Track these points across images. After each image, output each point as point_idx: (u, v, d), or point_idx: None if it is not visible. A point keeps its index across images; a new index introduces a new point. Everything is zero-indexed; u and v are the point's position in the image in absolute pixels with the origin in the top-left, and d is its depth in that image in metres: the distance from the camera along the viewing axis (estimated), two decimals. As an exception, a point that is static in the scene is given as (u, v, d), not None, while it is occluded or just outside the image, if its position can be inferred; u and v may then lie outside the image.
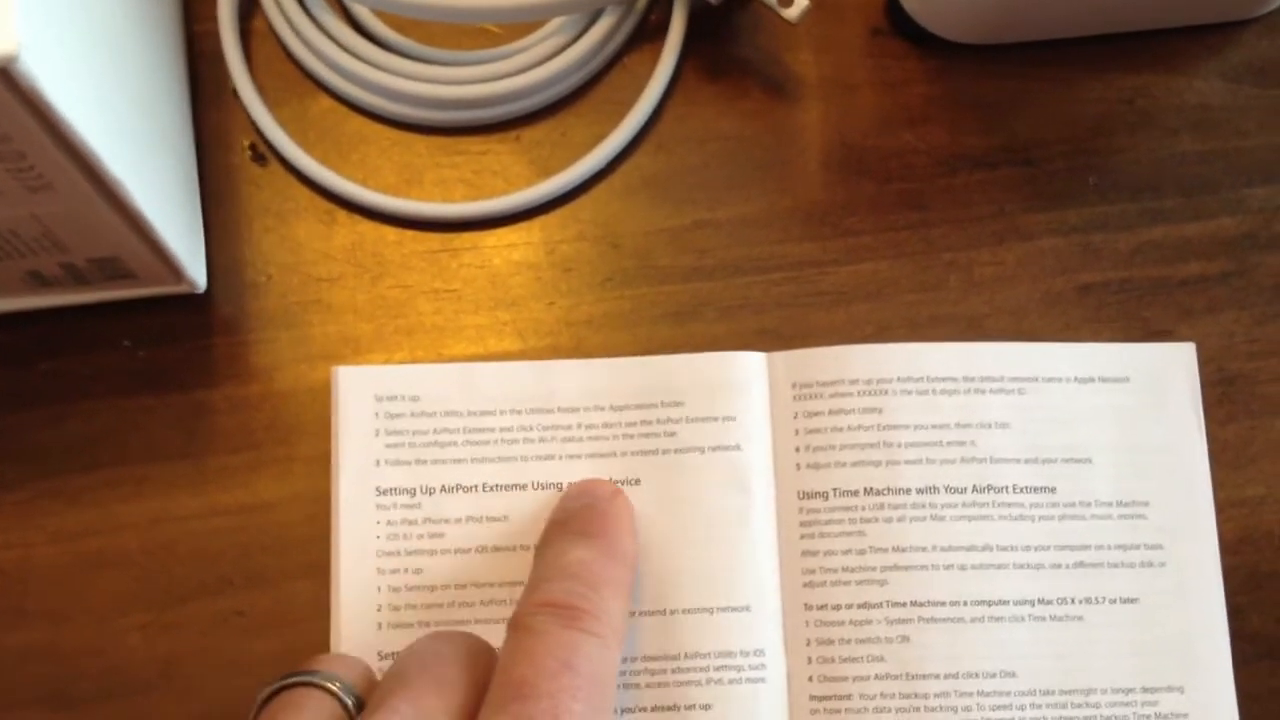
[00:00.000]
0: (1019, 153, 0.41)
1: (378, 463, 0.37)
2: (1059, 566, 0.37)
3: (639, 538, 0.36)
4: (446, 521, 0.36)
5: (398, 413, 0.37)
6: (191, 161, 0.40)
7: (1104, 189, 0.41)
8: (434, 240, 0.40)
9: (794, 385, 0.38)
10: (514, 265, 0.40)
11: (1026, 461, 0.37)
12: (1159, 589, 0.37)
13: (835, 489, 0.37)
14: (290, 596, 0.37)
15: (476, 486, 0.37)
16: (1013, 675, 0.36)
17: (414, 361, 0.39)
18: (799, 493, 0.37)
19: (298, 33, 0.40)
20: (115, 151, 0.30)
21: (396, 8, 0.39)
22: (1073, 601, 0.36)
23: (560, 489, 0.37)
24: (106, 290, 0.37)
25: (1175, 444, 0.38)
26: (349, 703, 0.30)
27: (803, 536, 0.37)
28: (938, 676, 0.35)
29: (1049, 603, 0.36)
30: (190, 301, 0.39)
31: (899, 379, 0.37)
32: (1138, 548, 0.37)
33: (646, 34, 0.42)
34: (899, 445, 0.37)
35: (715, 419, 0.37)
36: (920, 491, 0.37)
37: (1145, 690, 0.36)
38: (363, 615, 0.36)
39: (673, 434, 0.37)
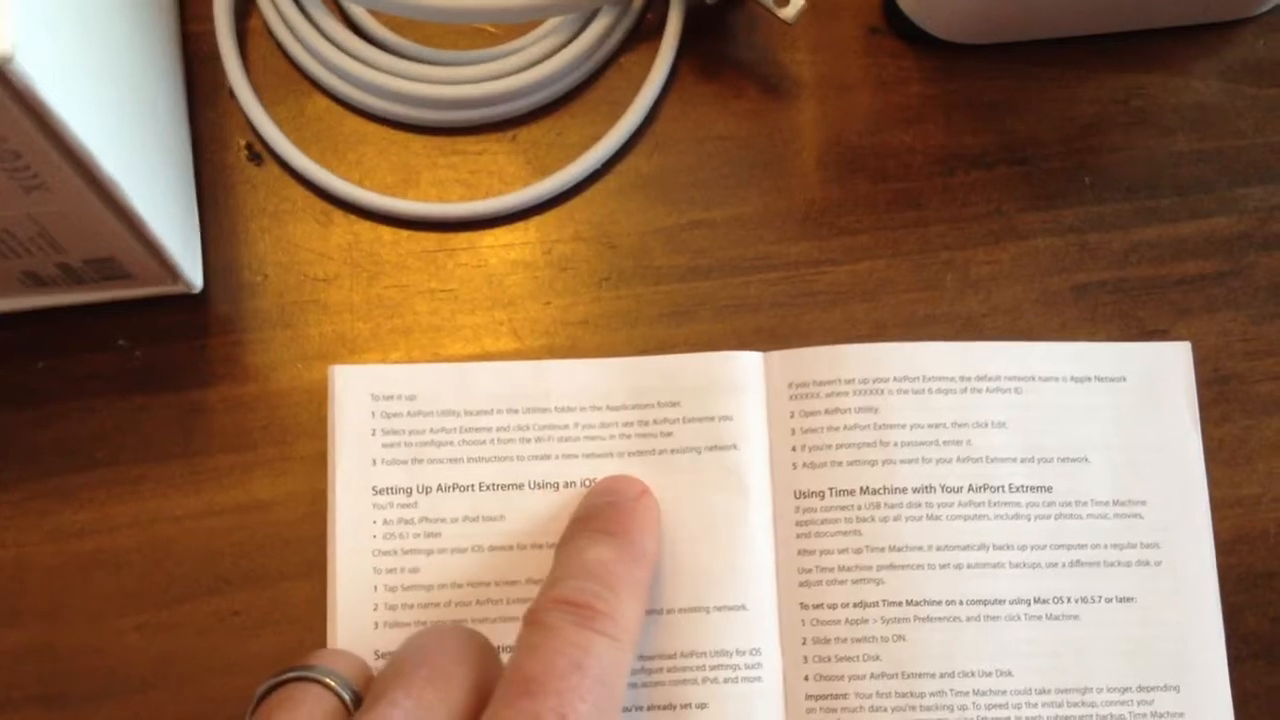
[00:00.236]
0: (1015, 152, 0.41)
1: (374, 462, 0.37)
2: (1055, 565, 0.37)
3: (661, 539, 0.36)
4: (443, 521, 0.36)
5: (394, 412, 0.37)
6: (188, 161, 0.40)
7: (1100, 188, 0.41)
8: (430, 240, 0.40)
9: (790, 385, 0.38)
10: (510, 265, 0.40)
11: (1023, 461, 0.37)
12: (1155, 588, 0.37)
13: (831, 488, 0.37)
14: (287, 596, 0.37)
15: (473, 486, 0.37)
16: (1009, 674, 0.36)
17: (410, 361, 0.39)
18: (795, 492, 0.37)
19: (294, 32, 0.40)
20: (111, 151, 0.30)
21: (393, 8, 0.39)
22: (1069, 600, 0.36)
23: (556, 489, 0.37)
24: (102, 290, 0.37)
25: (1171, 443, 0.38)
26: (346, 697, 0.30)
27: (799, 536, 0.37)
28: (934, 675, 0.35)
29: (1045, 602, 0.36)
30: (186, 301, 0.39)
31: (895, 378, 0.37)
32: (1134, 547, 0.37)
33: (643, 34, 0.42)
34: (895, 444, 0.37)
35: (712, 419, 0.37)
36: (916, 491, 0.37)
37: (1141, 689, 0.36)
38: (359, 614, 0.36)
39: (669, 434, 0.37)
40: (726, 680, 0.35)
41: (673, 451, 0.37)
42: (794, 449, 0.37)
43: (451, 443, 0.37)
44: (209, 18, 0.41)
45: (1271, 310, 0.40)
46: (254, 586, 0.37)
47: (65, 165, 0.29)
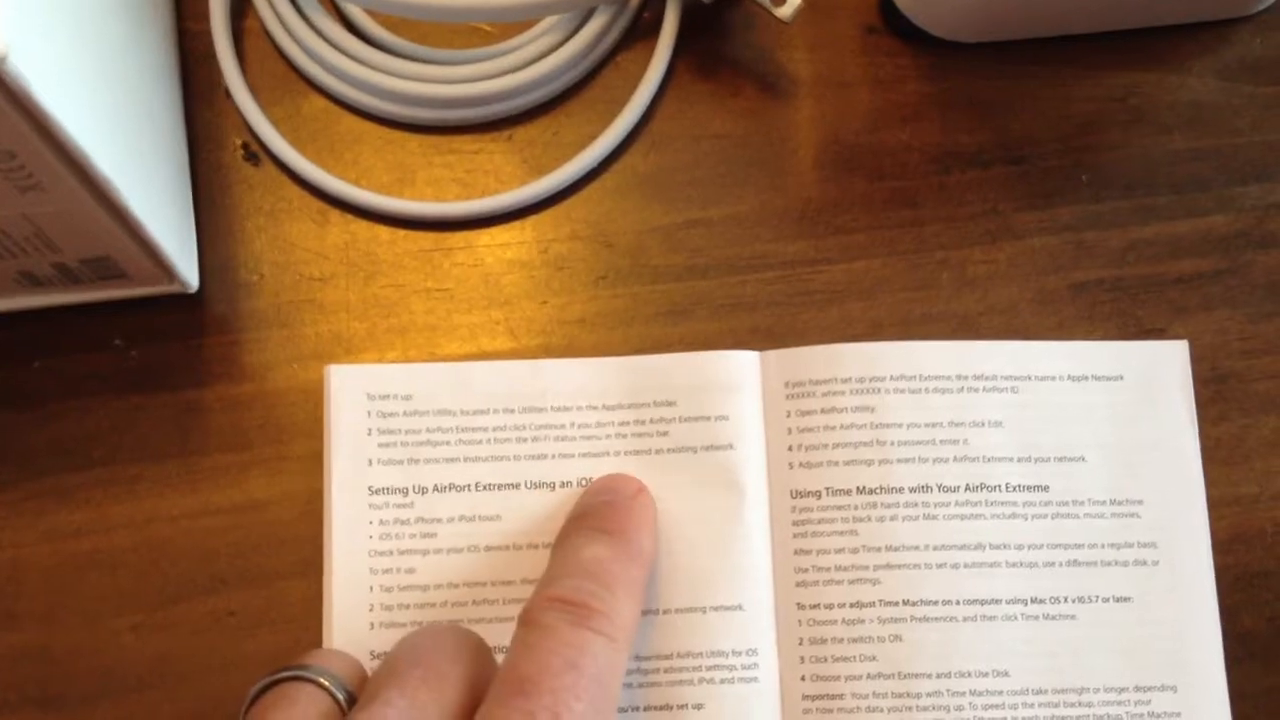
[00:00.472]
0: (1012, 151, 0.41)
1: (370, 462, 0.37)
2: (1052, 565, 0.37)
3: (658, 538, 0.36)
4: (439, 521, 0.36)
5: (390, 412, 0.37)
6: (184, 161, 0.39)
7: (1097, 187, 0.41)
8: (427, 239, 0.40)
9: (787, 384, 0.38)
10: (507, 264, 0.40)
11: (1019, 460, 0.37)
12: (1152, 587, 0.37)
13: (828, 488, 0.37)
14: (283, 596, 0.37)
15: (469, 486, 0.37)
16: (1005, 674, 0.36)
17: (407, 360, 0.39)
18: (792, 492, 0.37)
19: (290, 32, 0.40)
20: (106, 151, 0.30)
21: (389, 7, 0.39)
22: (1066, 600, 0.36)
23: (553, 489, 0.37)
24: (98, 290, 0.37)
25: (1168, 442, 0.38)
26: (340, 697, 0.30)
27: (795, 536, 0.37)
28: (930, 676, 0.35)
29: (1042, 601, 0.36)
30: (183, 301, 0.39)
31: (892, 378, 0.37)
32: (1131, 546, 0.37)
33: (639, 32, 0.42)
34: (892, 444, 0.37)
35: (708, 418, 0.37)
36: (913, 490, 0.37)
37: (1138, 689, 0.36)
38: (355, 614, 0.36)
39: (665, 433, 0.37)
40: (723, 680, 0.35)
41: (669, 451, 0.37)
42: (790, 448, 0.37)
43: (448, 442, 0.37)
44: (205, 17, 0.41)
45: (1268, 309, 0.40)
46: (250, 586, 0.37)
47: (60, 165, 0.29)
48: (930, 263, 0.40)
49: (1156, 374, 0.38)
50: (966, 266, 0.40)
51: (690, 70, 0.41)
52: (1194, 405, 0.38)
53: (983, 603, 0.36)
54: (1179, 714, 0.36)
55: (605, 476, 0.37)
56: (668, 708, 0.35)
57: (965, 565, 0.36)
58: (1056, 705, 0.36)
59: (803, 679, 0.36)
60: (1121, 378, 0.38)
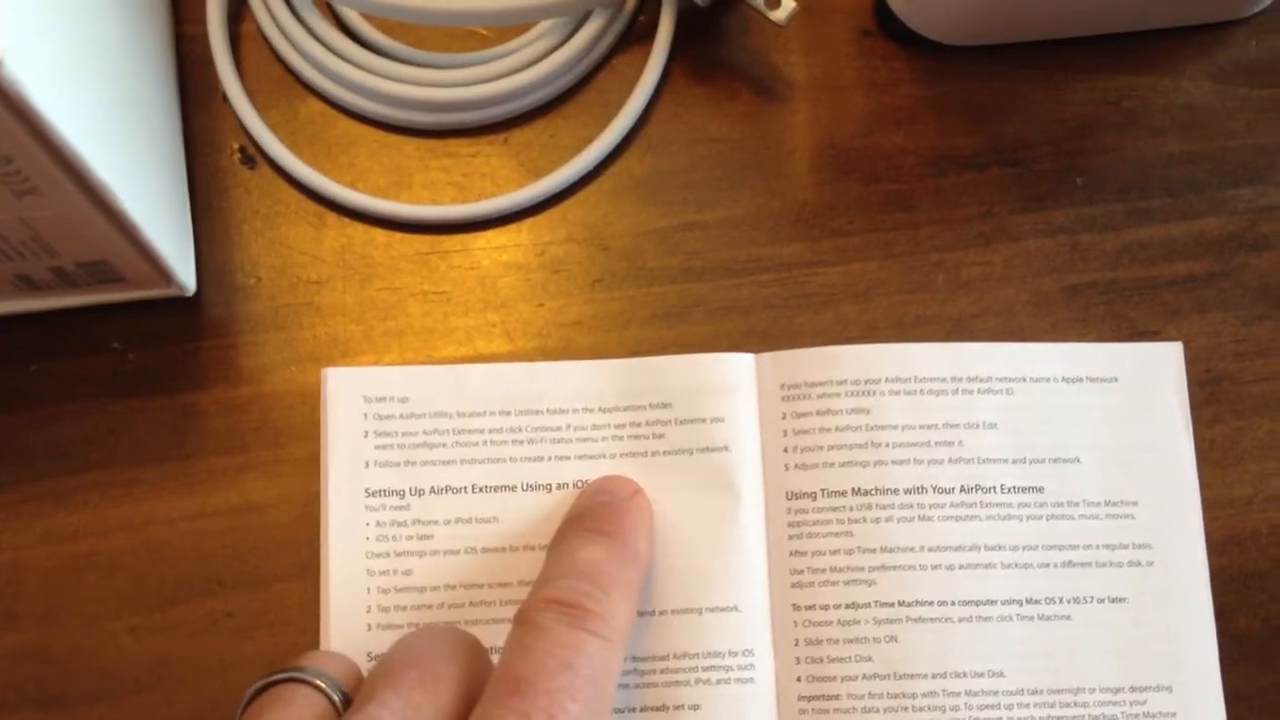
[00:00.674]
0: (1006, 153, 0.41)
1: (367, 464, 0.37)
2: (1047, 566, 0.37)
3: (654, 539, 0.36)
4: (435, 523, 0.37)
5: (387, 414, 0.37)
6: (180, 165, 0.40)
7: (1091, 190, 0.41)
8: (423, 242, 0.40)
9: (782, 386, 0.38)
10: (503, 267, 0.40)
11: (1014, 461, 0.37)
12: (1147, 588, 0.37)
13: (823, 489, 0.37)
14: (280, 598, 0.37)
15: (465, 488, 0.37)
16: (1001, 675, 0.36)
17: (403, 363, 0.39)
18: (787, 493, 0.37)
19: (287, 36, 0.40)
20: (102, 155, 0.30)
21: (385, 11, 0.39)
22: (1061, 601, 0.36)
23: (549, 490, 0.37)
24: (95, 293, 0.37)
25: (1163, 444, 0.38)
26: (336, 699, 0.30)
27: (791, 537, 0.37)
28: (925, 676, 0.36)
29: (1037, 602, 0.36)
30: (179, 304, 0.39)
31: (887, 379, 0.37)
32: (1125, 547, 0.37)
33: (635, 36, 0.42)
34: (887, 446, 0.37)
35: (703, 420, 0.37)
36: (908, 492, 0.37)
37: (1133, 689, 0.36)
38: (352, 616, 0.36)
39: (661, 435, 0.37)
40: (719, 681, 0.35)
41: (665, 453, 0.37)
42: (786, 450, 0.37)
43: (444, 444, 0.37)
44: (202, 21, 0.41)
45: (1261, 311, 0.40)
46: (247, 588, 0.37)
47: (56, 170, 0.30)
48: (925, 265, 0.40)
49: (1151, 376, 0.38)
50: (961, 269, 0.40)
51: (686, 74, 0.41)
52: (1188, 407, 0.38)
53: (978, 603, 0.36)
54: (1174, 714, 0.36)
55: (601, 478, 0.37)
56: (664, 708, 0.35)
57: (960, 566, 0.36)
58: (1052, 706, 0.36)
59: (798, 679, 0.36)
60: (1116, 379, 0.38)
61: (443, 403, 0.37)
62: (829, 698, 0.36)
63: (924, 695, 0.35)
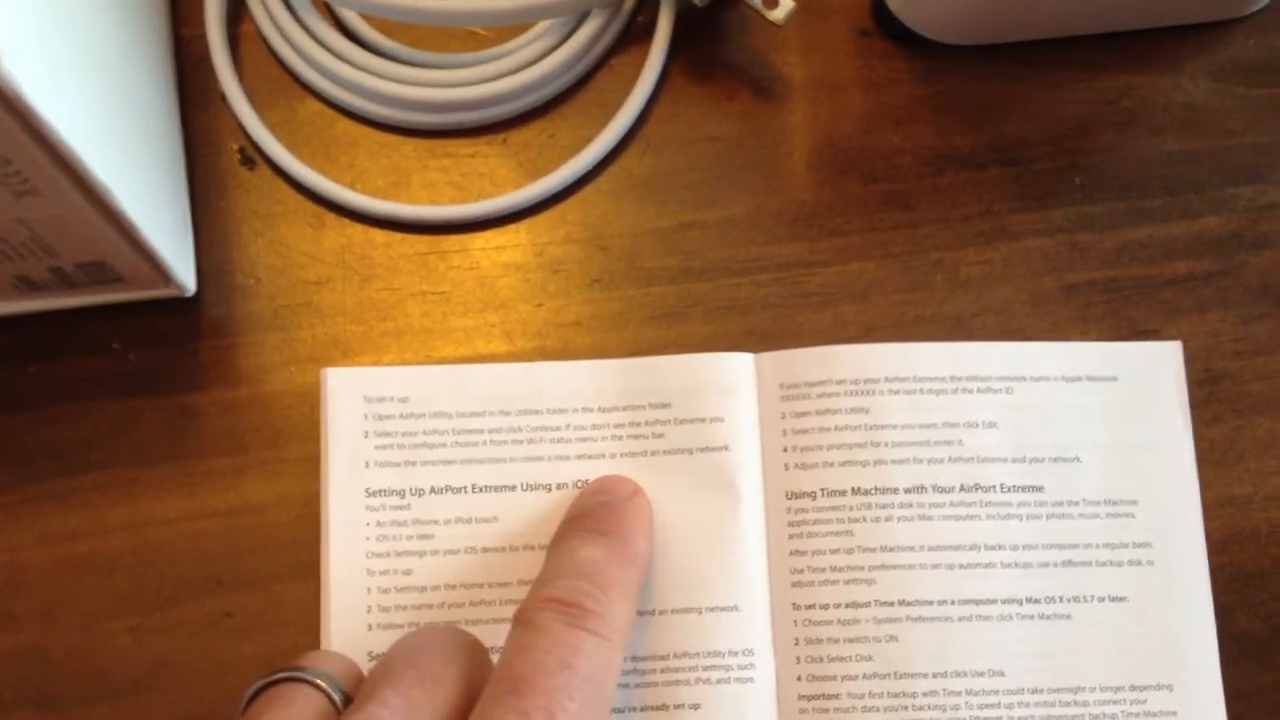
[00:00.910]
0: (1005, 153, 0.41)
1: (367, 464, 0.37)
2: (1047, 565, 0.37)
3: (653, 539, 0.36)
4: (435, 523, 0.37)
5: (387, 414, 0.37)
6: (180, 166, 0.40)
7: (1090, 189, 0.41)
8: (422, 243, 0.40)
9: (781, 386, 0.38)
10: (502, 267, 0.40)
11: (1014, 460, 0.37)
12: (1147, 588, 0.37)
13: (823, 489, 0.37)
14: (279, 598, 0.37)
15: (465, 488, 0.37)
16: (1001, 674, 0.36)
17: (403, 363, 0.39)
18: (787, 493, 0.37)
19: (285, 37, 0.41)
20: (101, 156, 0.30)
21: (383, 11, 0.39)
22: (1061, 600, 0.36)
23: (549, 490, 0.37)
24: (95, 294, 0.37)
25: (1162, 443, 0.38)
26: (336, 698, 0.30)
27: (791, 536, 0.37)
28: (925, 675, 0.36)
29: (1037, 601, 0.36)
30: (179, 305, 0.39)
31: (886, 379, 0.37)
32: (1125, 546, 0.37)
33: (633, 36, 0.42)
34: (886, 445, 0.37)
35: (703, 420, 0.37)
36: (908, 491, 0.37)
37: (1133, 688, 0.36)
38: (352, 616, 0.36)
39: (661, 435, 0.37)
40: (719, 681, 0.35)
41: (664, 453, 0.37)
42: (785, 450, 0.37)
43: (444, 444, 0.37)
44: (200, 22, 0.41)
45: (1261, 310, 0.40)
46: (247, 589, 0.37)
47: (55, 170, 0.30)
48: (924, 264, 0.40)
49: (1150, 375, 0.38)
50: (960, 268, 0.40)
51: (684, 73, 0.42)
52: (1188, 406, 0.38)
53: (978, 603, 0.36)
54: (1174, 713, 0.36)
55: (601, 478, 0.37)
56: (664, 708, 0.35)
57: (960, 565, 0.36)
58: (1052, 705, 0.36)
59: (799, 679, 0.36)
60: (1116, 379, 0.38)
61: (442, 403, 0.37)
62: (829, 697, 0.35)
63: (924, 694, 0.35)
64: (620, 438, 0.37)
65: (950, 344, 0.38)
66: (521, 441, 0.37)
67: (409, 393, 0.37)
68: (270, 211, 0.40)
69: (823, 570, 0.36)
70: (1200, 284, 0.40)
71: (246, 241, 0.40)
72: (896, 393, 0.37)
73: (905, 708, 0.35)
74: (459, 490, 0.37)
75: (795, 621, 0.36)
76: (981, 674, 0.36)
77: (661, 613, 0.36)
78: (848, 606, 0.36)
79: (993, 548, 0.37)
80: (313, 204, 0.40)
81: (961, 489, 0.37)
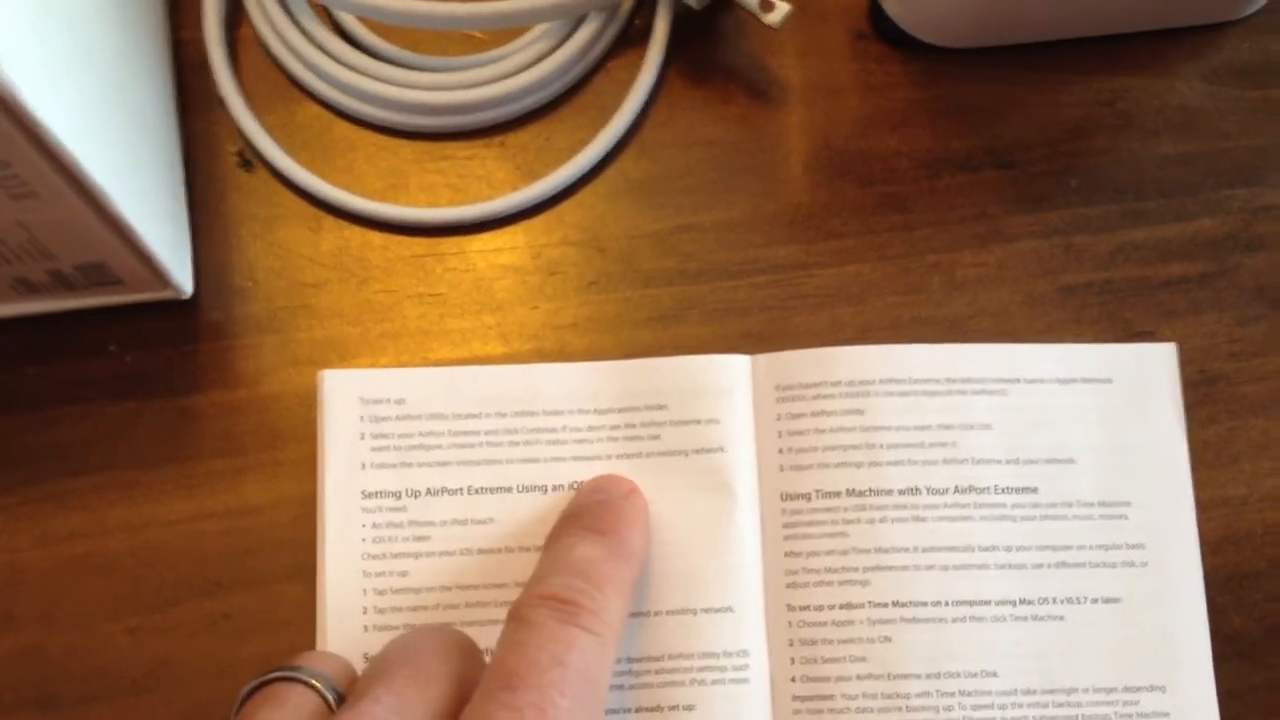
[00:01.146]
0: (1001, 155, 0.41)
1: (363, 466, 0.37)
2: (1041, 566, 0.37)
3: (649, 538, 0.36)
4: (432, 524, 0.37)
5: (383, 416, 0.37)
6: (178, 168, 0.40)
7: (1085, 191, 0.41)
8: (419, 245, 0.40)
9: (777, 387, 0.38)
10: (499, 269, 0.40)
11: (1008, 462, 0.37)
12: (1141, 589, 0.37)
13: (818, 490, 0.37)
14: (277, 599, 0.37)
15: (462, 489, 0.37)
16: (994, 675, 0.36)
17: (400, 365, 0.39)
18: (782, 494, 0.37)
19: (283, 40, 0.41)
20: (99, 160, 0.31)
21: (381, 15, 0.39)
22: (1054, 601, 0.36)
23: (545, 492, 0.37)
24: (94, 296, 0.37)
25: (1157, 444, 0.38)
26: (330, 697, 0.30)
27: (786, 538, 0.37)
28: (920, 676, 0.36)
29: (1030, 602, 0.36)
30: (177, 307, 0.39)
31: (881, 381, 0.38)
32: (1119, 548, 0.37)
33: (630, 39, 0.42)
34: (881, 446, 0.37)
35: (699, 421, 0.37)
36: (902, 493, 0.37)
37: (1127, 689, 0.36)
38: (349, 618, 0.36)
39: (656, 436, 0.37)
40: (714, 682, 0.35)
41: (660, 454, 0.37)
42: (781, 451, 0.37)
43: (440, 446, 0.37)
44: (199, 26, 0.41)
45: (1256, 311, 0.40)
46: (245, 590, 0.37)
47: (53, 174, 0.30)
48: (920, 266, 0.40)
49: (1145, 376, 0.38)
50: (956, 270, 0.40)
51: (681, 77, 0.42)
52: (1183, 408, 0.38)
53: (972, 604, 0.36)
54: (1168, 714, 0.36)
55: (598, 477, 0.37)
56: (659, 709, 0.35)
57: (954, 567, 0.36)
58: (1045, 706, 0.36)
59: (793, 680, 0.36)
60: (1110, 380, 0.38)
61: (439, 404, 0.37)
62: (823, 698, 0.36)
63: (918, 695, 0.35)
64: (616, 439, 0.37)
65: (946, 346, 0.38)
66: (518, 443, 0.37)
67: (405, 394, 0.37)
68: (268, 214, 0.40)
69: (817, 571, 0.36)
70: (1195, 286, 0.40)
71: (244, 244, 0.40)
72: (892, 394, 0.38)
73: (899, 708, 0.35)
74: (455, 492, 0.37)
75: (790, 623, 0.36)
76: (975, 675, 0.36)
77: (656, 614, 0.36)
78: (842, 608, 0.36)
79: (987, 549, 0.37)
80: (310, 206, 0.40)
81: (956, 490, 0.37)
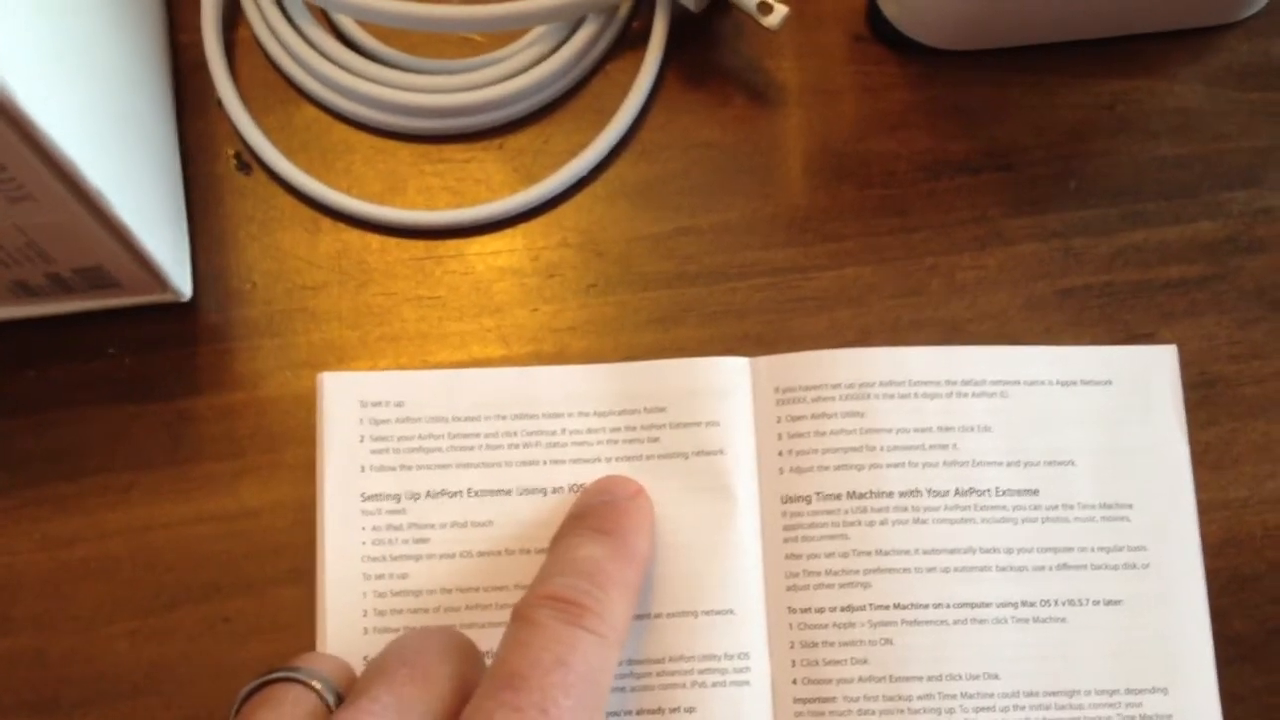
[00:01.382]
0: (1000, 157, 0.41)
1: (363, 469, 0.37)
2: (1042, 569, 0.37)
3: (654, 540, 0.36)
4: (431, 527, 0.37)
5: (383, 419, 0.37)
6: (176, 171, 0.40)
7: (1085, 193, 0.41)
8: (418, 248, 0.40)
9: (777, 390, 0.38)
10: (497, 272, 0.40)
11: (1009, 464, 0.37)
12: (1142, 591, 0.37)
13: (818, 492, 0.37)
14: (276, 602, 0.37)
15: (461, 492, 0.37)
16: (996, 677, 0.36)
17: (399, 368, 0.39)
18: (782, 497, 0.37)
19: (282, 42, 0.41)
20: (96, 162, 0.30)
21: (379, 17, 0.39)
22: (1055, 603, 0.36)
23: (544, 494, 0.37)
24: (92, 299, 0.37)
25: (1157, 446, 0.38)
26: (330, 699, 0.30)
27: (786, 540, 0.37)
28: (921, 679, 0.36)
29: (1032, 605, 0.36)
30: (175, 310, 0.39)
31: (881, 383, 0.38)
32: (1120, 550, 0.37)
33: (628, 42, 0.42)
34: (881, 449, 0.37)
35: (698, 424, 0.37)
36: (903, 495, 0.37)
37: (1128, 692, 0.36)
38: (348, 620, 0.36)
39: (656, 439, 0.37)
40: (715, 684, 0.35)
41: (660, 457, 0.37)
42: (781, 454, 0.37)
43: (440, 449, 0.37)
44: (197, 28, 0.41)
45: (1256, 313, 0.40)
46: (244, 593, 0.37)
47: (51, 177, 0.30)
48: (919, 269, 0.40)
49: (1145, 379, 0.38)
50: (955, 273, 0.40)
51: (679, 79, 0.42)
52: (1183, 410, 0.38)
53: (973, 606, 0.36)
54: (1170, 716, 0.36)
55: (604, 478, 0.37)
56: (659, 711, 0.35)
57: (955, 569, 0.36)
58: (1047, 708, 0.36)
59: (794, 682, 0.36)
60: (1110, 383, 0.38)
61: (438, 407, 0.37)
62: (824, 700, 0.36)
63: (919, 698, 0.35)
64: (616, 442, 0.37)
65: (945, 348, 0.38)
66: (517, 446, 0.37)
67: (405, 397, 0.37)
68: (266, 217, 0.40)
69: (818, 574, 0.36)
70: (1195, 288, 0.40)
71: (243, 247, 0.40)
72: (891, 397, 0.37)
73: (900, 711, 0.35)
74: (455, 494, 0.37)
75: (790, 625, 0.36)
76: (977, 677, 0.36)
77: (657, 616, 0.36)
78: (843, 610, 0.36)
79: (987, 551, 0.37)
80: (309, 209, 0.40)
81: (956, 493, 0.37)
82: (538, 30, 0.41)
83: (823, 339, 0.39)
